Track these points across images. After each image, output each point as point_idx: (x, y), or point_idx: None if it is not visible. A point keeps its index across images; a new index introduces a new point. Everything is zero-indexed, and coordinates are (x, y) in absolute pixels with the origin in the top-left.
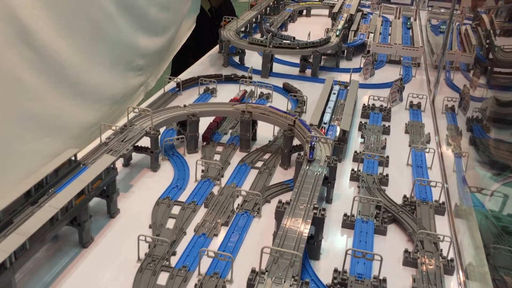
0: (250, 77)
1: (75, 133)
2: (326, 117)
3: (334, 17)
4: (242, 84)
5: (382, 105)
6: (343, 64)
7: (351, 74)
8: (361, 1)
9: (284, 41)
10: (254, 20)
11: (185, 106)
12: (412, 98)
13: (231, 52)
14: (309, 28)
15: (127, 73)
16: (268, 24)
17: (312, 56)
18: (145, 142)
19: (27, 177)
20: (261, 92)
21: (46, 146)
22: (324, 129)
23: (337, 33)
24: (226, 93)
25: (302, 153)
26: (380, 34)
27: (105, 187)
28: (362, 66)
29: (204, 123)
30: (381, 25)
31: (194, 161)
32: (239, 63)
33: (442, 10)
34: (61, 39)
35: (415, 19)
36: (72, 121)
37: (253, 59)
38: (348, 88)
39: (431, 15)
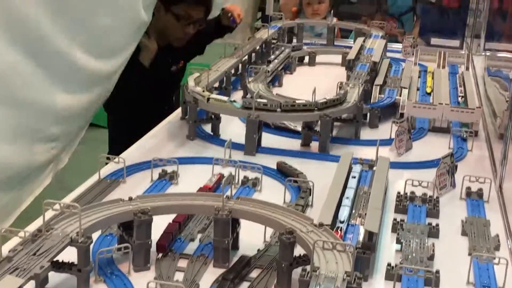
0: None
1: None
2: (344, 213)
3: (349, 65)
4: (216, 164)
5: (425, 194)
6: (366, 133)
7: (378, 148)
8: (388, 44)
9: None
10: (233, 71)
11: (130, 199)
12: (469, 183)
13: (200, 118)
14: (314, 82)
15: (33, 146)
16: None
17: (319, 122)
18: (70, 255)
19: None
20: (244, 177)
21: None
22: (340, 230)
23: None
24: (192, 178)
25: (308, 267)
26: (417, 90)
27: None
28: (393, 136)
29: (159, 225)
30: (419, 77)
31: (144, 283)
32: (212, 133)
33: (506, 55)
34: None
35: (466, 68)
36: None
37: (232, 128)
38: (375, 168)
39: (489, 61)
